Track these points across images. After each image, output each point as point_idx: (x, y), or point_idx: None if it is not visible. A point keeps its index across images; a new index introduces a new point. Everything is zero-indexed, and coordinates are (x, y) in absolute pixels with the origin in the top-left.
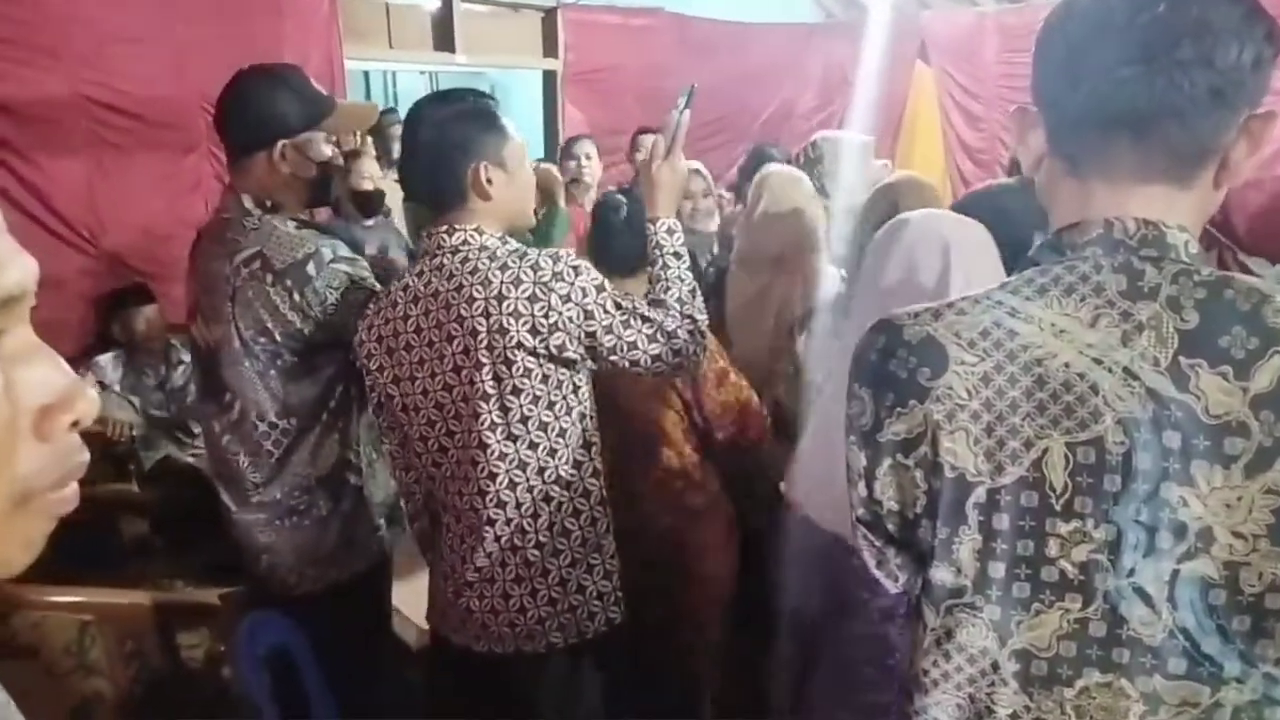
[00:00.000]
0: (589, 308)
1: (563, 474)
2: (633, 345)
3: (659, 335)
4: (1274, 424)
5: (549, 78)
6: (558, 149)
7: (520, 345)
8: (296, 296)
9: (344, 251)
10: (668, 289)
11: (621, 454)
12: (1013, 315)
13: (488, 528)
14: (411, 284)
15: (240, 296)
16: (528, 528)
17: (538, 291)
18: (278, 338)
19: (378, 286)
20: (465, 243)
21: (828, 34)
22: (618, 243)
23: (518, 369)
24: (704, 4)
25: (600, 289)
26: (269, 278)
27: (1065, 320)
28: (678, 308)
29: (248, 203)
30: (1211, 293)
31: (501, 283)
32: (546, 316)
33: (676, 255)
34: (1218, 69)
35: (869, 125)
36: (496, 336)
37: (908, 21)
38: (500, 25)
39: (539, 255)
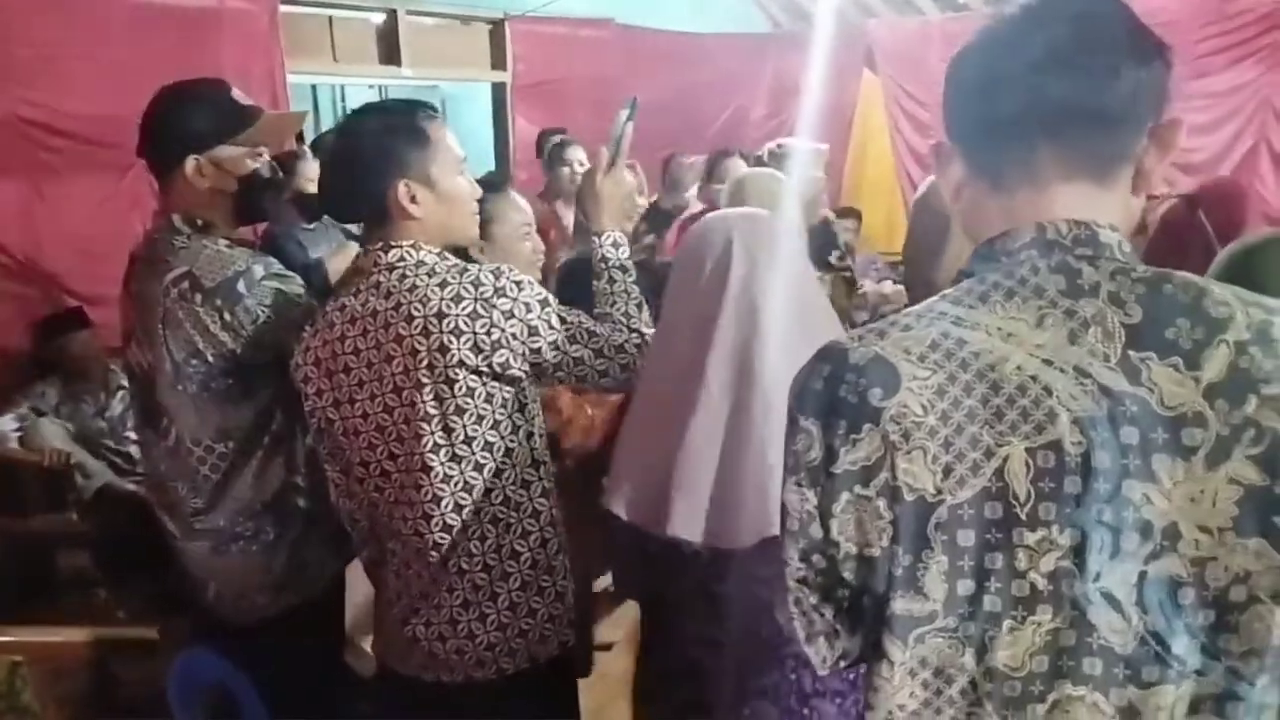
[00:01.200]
0: (533, 324)
1: (510, 495)
2: (579, 361)
3: (606, 350)
4: (1229, 412)
5: (498, 89)
6: (509, 161)
7: (462, 364)
8: (227, 316)
9: (277, 269)
10: (613, 303)
11: None
12: (959, 324)
13: (433, 552)
14: (348, 304)
15: (170, 318)
16: (475, 551)
17: (479, 308)
18: (210, 359)
19: (315, 304)
20: (402, 259)
21: (777, 44)
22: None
23: (460, 388)
24: (653, 16)
25: (545, 304)
26: (198, 297)
27: (1012, 324)
28: (624, 321)
29: (177, 221)
30: (1151, 287)
31: (441, 300)
32: (489, 334)
33: (622, 269)
34: (1123, 77)
35: (818, 133)
36: (437, 355)
37: (854, 30)
38: (448, 37)
39: (480, 270)
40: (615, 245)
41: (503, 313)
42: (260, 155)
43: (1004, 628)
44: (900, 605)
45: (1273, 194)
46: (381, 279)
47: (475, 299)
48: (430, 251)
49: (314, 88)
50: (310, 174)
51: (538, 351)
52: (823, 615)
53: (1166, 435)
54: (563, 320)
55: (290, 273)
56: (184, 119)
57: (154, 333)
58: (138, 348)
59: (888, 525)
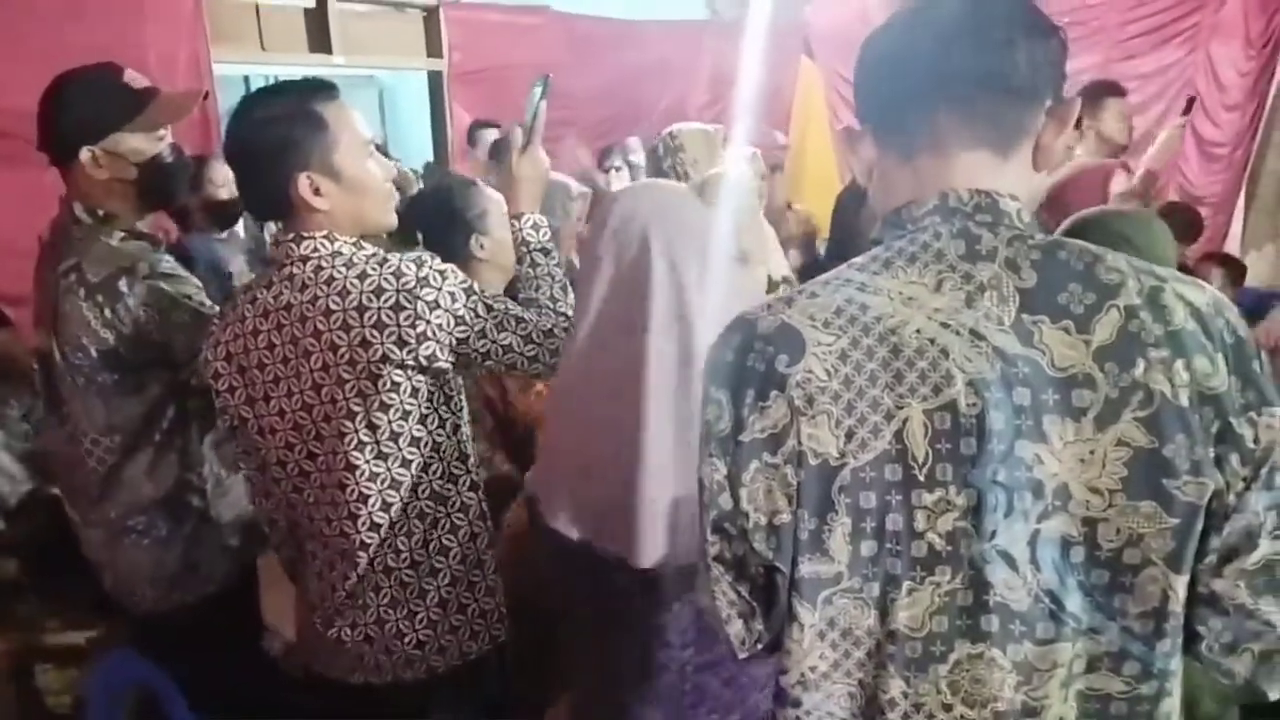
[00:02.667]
0: (459, 313)
1: (438, 489)
2: (508, 348)
3: (535, 335)
4: (1118, 375)
5: (435, 78)
6: (447, 148)
7: (386, 358)
8: (108, 313)
9: (167, 267)
10: (538, 287)
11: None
12: (862, 290)
13: (360, 552)
14: (260, 297)
15: (60, 309)
16: (402, 547)
17: (403, 300)
18: (94, 354)
19: (207, 304)
20: (315, 250)
21: (715, 31)
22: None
23: (384, 384)
24: (590, 3)
25: (470, 291)
26: (82, 291)
27: (912, 288)
28: (550, 305)
29: (77, 211)
30: (1046, 254)
31: (361, 292)
32: (414, 326)
33: (544, 251)
34: (1021, 50)
35: (757, 119)
36: (359, 351)
37: (791, 17)
38: (380, 25)
39: (401, 260)
40: (535, 228)
41: (427, 303)
42: (161, 139)
43: (904, 589)
44: (807, 568)
45: (1194, 174)
46: (295, 271)
47: (398, 290)
48: (346, 242)
49: (246, 78)
50: (220, 179)
51: (465, 341)
52: (740, 594)
53: (1057, 396)
54: (489, 308)
55: (183, 272)
56: (74, 109)
57: (49, 322)
58: (42, 333)
59: (794, 491)
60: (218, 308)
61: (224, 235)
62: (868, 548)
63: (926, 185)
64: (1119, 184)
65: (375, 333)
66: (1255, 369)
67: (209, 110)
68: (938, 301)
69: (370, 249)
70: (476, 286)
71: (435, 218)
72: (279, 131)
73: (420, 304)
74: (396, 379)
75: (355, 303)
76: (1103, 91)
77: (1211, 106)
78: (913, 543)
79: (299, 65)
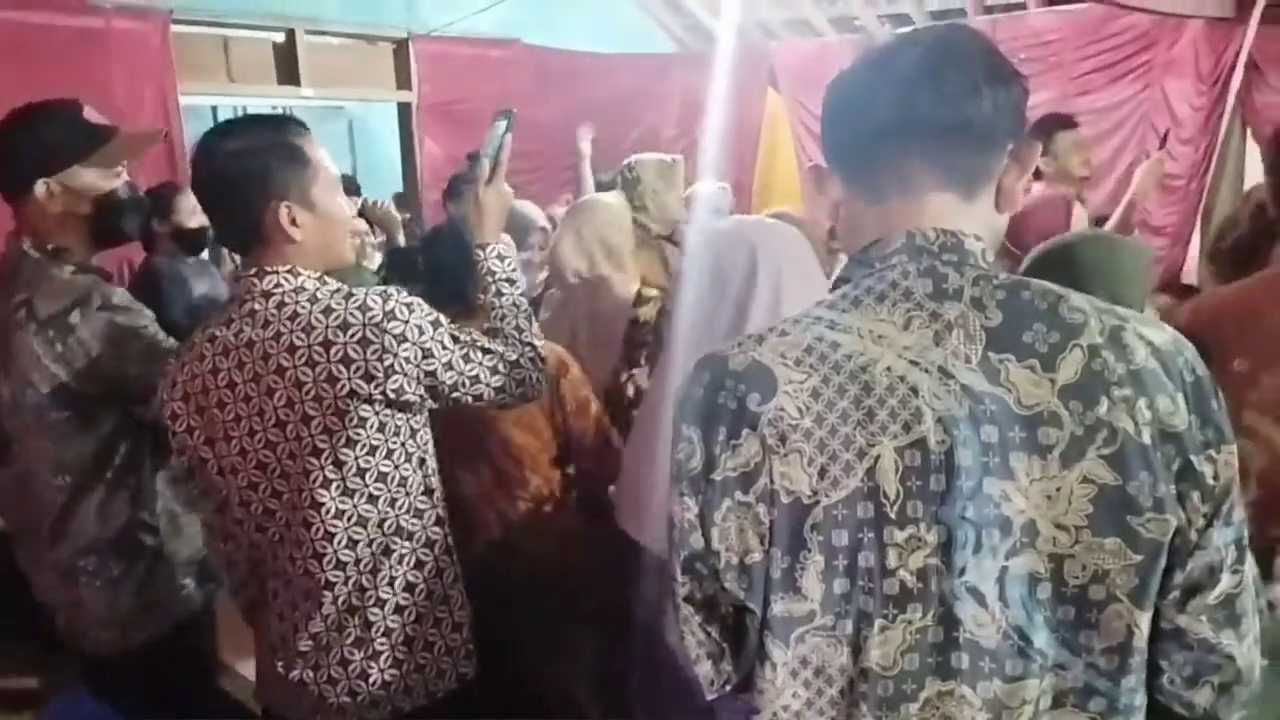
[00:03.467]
0: (426, 346)
1: (404, 525)
2: (475, 380)
3: (500, 366)
4: (1083, 413)
5: (404, 110)
6: (417, 180)
7: (354, 394)
8: (59, 347)
9: (120, 300)
10: (504, 317)
11: (491, 483)
12: (833, 328)
13: (325, 591)
14: (219, 334)
15: (8, 345)
16: (367, 585)
17: (369, 334)
18: (44, 391)
19: (161, 336)
20: (279, 286)
21: (683, 64)
22: (453, 277)
23: (351, 419)
24: (559, 36)
25: (436, 324)
26: (32, 326)
27: (882, 326)
28: (516, 335)
29: (26, 246)
30: (1010, 293)
31: (327, 327)
32: (381, 360)
33: (510, 281)
34: (984, 96)
35: (724, 151)
36: (325, 387)
37: (757, 51)
38: (350, 57)
39: (366, 295)
40: (500, 258)
41: (394, 337)
42: (118, 175)
43: (876, 627)
44: (779, 607)
45: (1152, 206)
46: (257, 307)
47: (364, 324)
48: (309, 276)
49: (214, 109)
50: (189, 207)
51: (433, 374)
52: (709, 634)
53: (1024, 434)
54: (455, 339)
55: (137, 305)
56: (30, 141)
57: (1, 356)
58: None
59: (766, 530)
60: (173, 340)
61: (191, 260)
62: (840, 585)
63: (893, 225)
64: (1078, 217)
65: (342, 368)
66: (1214, 407)
67: (174, 142)
68: (907, 340)
69: (334, 284)
70: (442, 319)
71: (453, 256)
72: (259, 161)
73: (388, 338)
74: (364, 414)
75: (321, 338)
76: (1054, 125)
77: (1167, 140)
78: (885, 580)
79: (267, 97)
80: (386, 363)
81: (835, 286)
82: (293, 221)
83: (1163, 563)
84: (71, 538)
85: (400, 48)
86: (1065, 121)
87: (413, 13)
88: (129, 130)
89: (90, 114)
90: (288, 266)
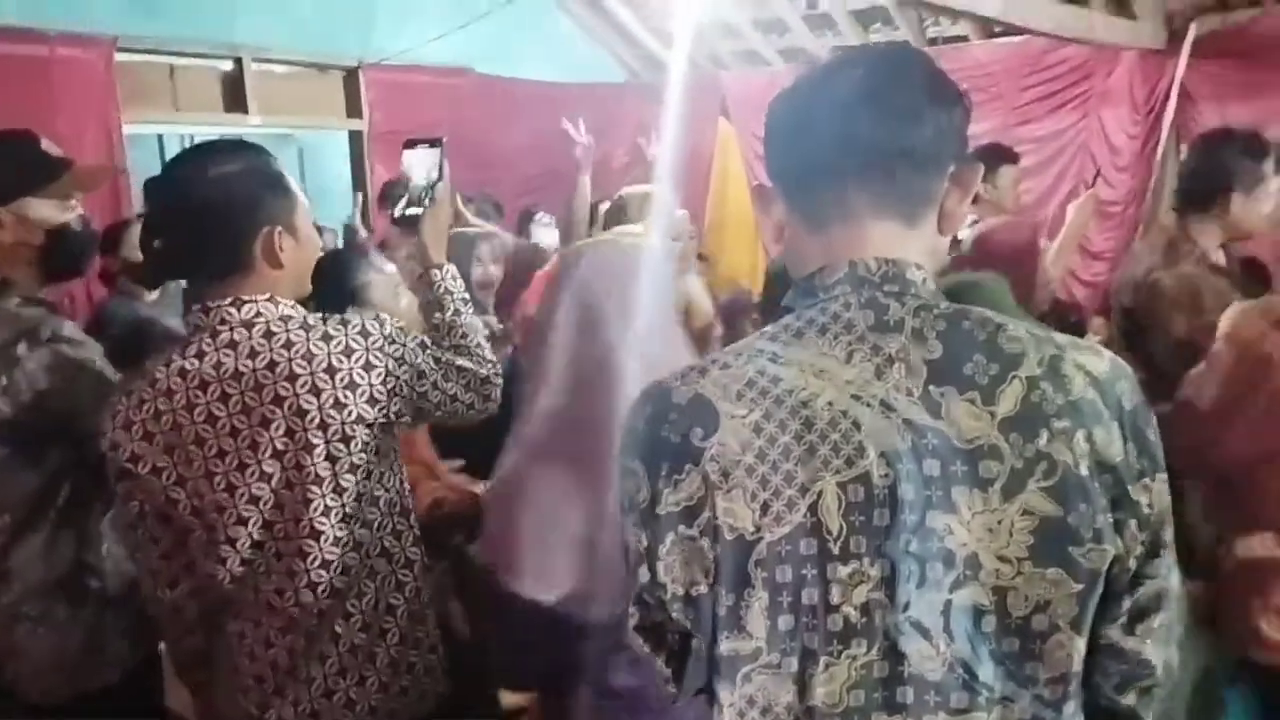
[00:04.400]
0: (420, 367)
1: (387, 546)
2: (454, 398)
3: (474, 383)
4: (1023, 446)
5: (355, 137)
6: (368, 208)
7: (360, 419)
8: (4, 380)
9: (69, 332)
10: (466, 335)
11: None
12: (774, 361)
13: (312, 620)
14: (191, 368)
15: None
16: (352, 610)
17: (373, 359)
18: None
19: (110, 370)
20: (259, 315)
21: (635, 93)
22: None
23: (356, 445)
24: (511, 65)
25: (423, 346)
26: None
27: (823, 360)
28: (481, 354)
29: None
30: (951, 324)
31: (329, 354)
32: (384, 383)
33: (465, 301)
34: (926, 121)
35: (676, 179)
36: (331, 413)
37: (708, 81)
38: (298, 85)
39: (363, 320)
40: (454, 278)
41: (395, 360)
42: (72, 209)
43: (821, 664)
44: (726, 645)
45: (1092, 231)
46: (237, 337)
47: (367, 349)
48: (286, 305)
49: (160, 138)
50: (137, 241)
51: (424, 395)
52: (656, 661)
53: (965, 467)
54: (437, 360)
55: (86, 338)
56: None
57: None
58: None
59: (711, 564)
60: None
61: (152, 297)
62: (785, 622)
63: (836, 253)
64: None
65: (348, 394)
66: (1149, 435)
67: (118, 174)
68: (848, 374)
69: (311, 313)
70: (427, 339)
71: (318, 283)
72: (247, 188)
73: (390, 361)
74: (365, 439)
75: (324, 365)
76: (999, 158)
77: (1105, 168)
78: (829, 616)
79: (214, 125)
80: (389, 385)
81: (779, 315)
82: (280, 248)
83: (1100, 589)
84: (13, 582)
85: (351, 76)
86: (1010, 155)
87: (363, 41)
88: (83, 164)
89: (48, 146)
90: (266, 295)
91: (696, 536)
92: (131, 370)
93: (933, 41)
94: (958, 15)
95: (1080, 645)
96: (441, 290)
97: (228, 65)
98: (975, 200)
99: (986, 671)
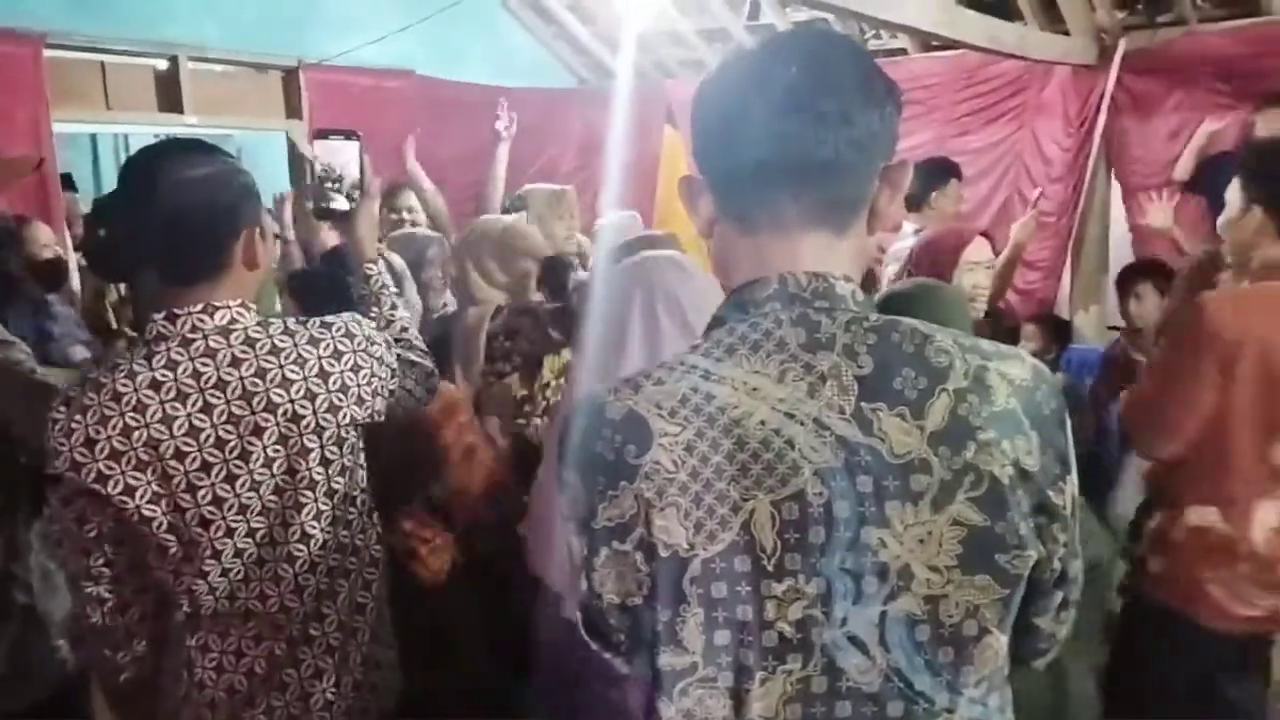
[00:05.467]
0: (393, 365)
1: (357, 544)
2: (410, 394)
3: (422, 377)
4: (951, 458)
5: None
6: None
7: (353, 421)
8: None
9: None
10: (406, 329)
11: None
12: (707, 378)
13: (296, 626)
14: (162, 378)
15: None
16: (327, 611)
17: (359, 360)
18: None
19: (39, 371)
20: (235, 321)
21: (582, 98)
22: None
23: (348, 447)
24: (456, 68)
25: (389, 344)
26: None
27: (756, 378)
28: (420, 346)
29: None
30: (881, 337)
31: (319, 358)
32: (369, 384)
33: (400, 296)
34: (855, 123)
35: (623, 184)
36: (326, 417)
37: (654, 88)
38: (236, 85)
39: (345, 322)
40: (382, 273)
41: (376, 360)
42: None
43: (757, 679)
44: (664, 660)
45: None
46: (214, 344)
47: (354, 351)
48: (253, 310)
49: (94, 137)
50: (45, 238)
51: (393, 392)
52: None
53: (897, 482)
54: (399, 357)
55: (11, 337)
56: None
57: None
58: None
59: (645, 578)
60: (50, 375)
61: (52, 298)
62: (721, 638)
63: (767, 263)
64: (975, 252)
65: (341, 396)
66: (1063, 439)
67: (46, 172)
68: (781, 392)
69: (282, 318)
70: (389, 337)
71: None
72: (231, 189)
73: (374, 362)
74: (353, 440)
75: (316, 369)
76: (947, 171)
77: (1039, 179)
78: (763, 632)
79: (148, 125)
80: (373, 385)
81: (711, 326)
82: (258, 248)
83: (1023, 589)
84: None
85: (290, 76)
86: (954, 169)
87: (303, 41)
88: (2, 157)
89: None
90: (238, 301)
91: (629, 552)
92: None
93: (873, 54)
94: (897, 29)
95: (1005, 641)
96: (379, 285)
97: (163, 64)
98: (920, 211)
99: (922, 680)
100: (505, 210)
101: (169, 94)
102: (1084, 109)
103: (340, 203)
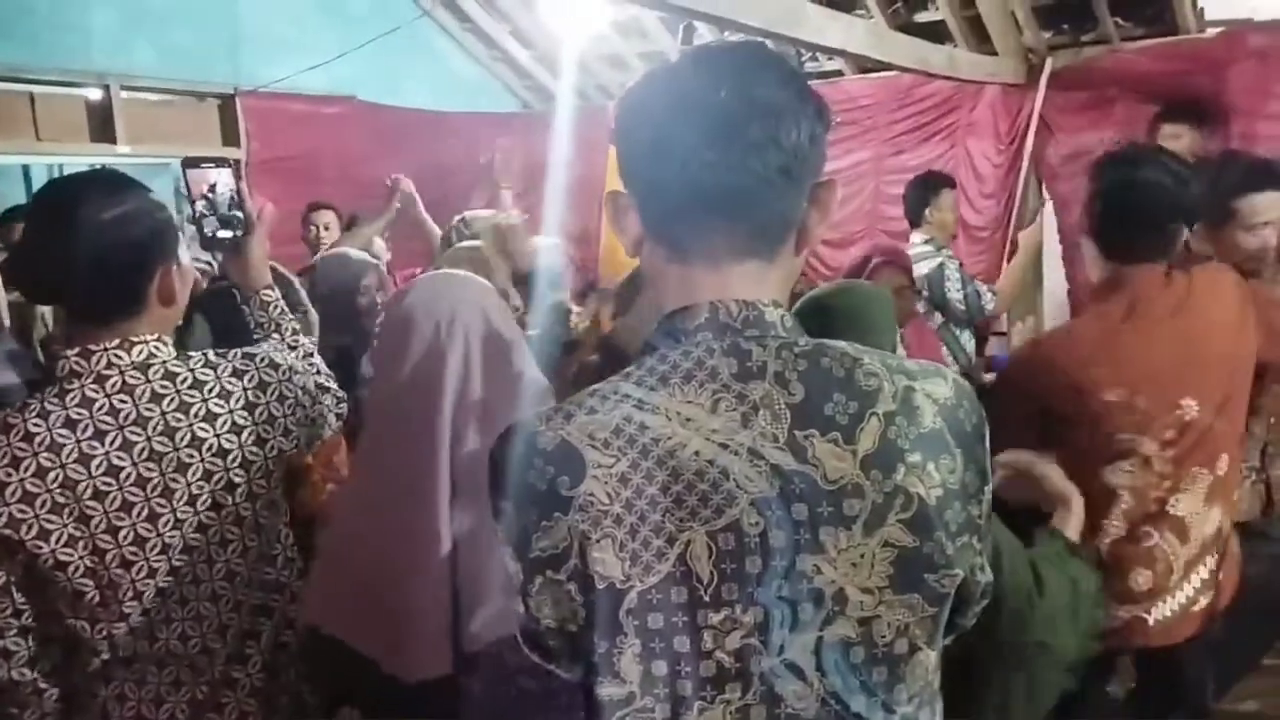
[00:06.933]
0: (313, 392)
1: (281, 580)
2: (326, 420)
3: (330, 402)
4: (882, 481)
5: (235, 167)
6: None
7: (280, 452)
8: None
9: None
10: (310, 354)
11: None
12: (641, 408)
13: (219, 668)
14: (77, 416)
15: None
16: (250, 652)
17: (284, 390)
18: None
19: None
20: (153, 356)
21: (525, 122)
22: None
23: (276, 479)
24: (397, 94)
25: (306, 371)
26: None
27: (689, 408)
28: (327, 373)
29: None
30: (811, 363)
31: (244, 390)
32: (294, 414)
33: (301, 322)
34: (783, 148)
35: (567, 208)
36: (254, 450)
37: (597, 111)
38: (170, 113)
39: (268, 352)
40: (281, 299)
41: (300, 389)
42: None
43: (695, 709)
44: (602, 690)
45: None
46: (132, 380)
47: (279, 381)
48: (169, 344)
49: (26, 168)
50: None
51: (313, 420)
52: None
53: (831, 508)
54: (317, 383)
55: None
56: None
57: None
58: None
59: (580, 608)
60: None
61: None
62: (658, 668)
63: (697, 290)
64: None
65: (269, 428)
66: (983, 452)
67: None
68: (715, 423)
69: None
70: (307, 364)
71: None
72: (146, 226)
73: (299, 391)
74: (279, 472)
75: (242, 401)
76: (940, 182)
77: (972, 194)
78: (701, 662)
79: (81, 155)
80: (298, 414)
81: (643, 352)
82: (174, 284)
83: (950, 604)
84: None
85: (226, 104)
86: (947, 180)
87: (238, 68)
88: None
89: None
90: (155, 336)
91: (563, 581)
92: None
93: (809, 76)
94: (832, 52)
95: (935, 657)
96: (278, 312)
97: (94, 94)
98: (921, 226)
99: (858, 702)
100: (456, 239)
101: (102, 123)
102: (1014, 127)
103: (226, 231)
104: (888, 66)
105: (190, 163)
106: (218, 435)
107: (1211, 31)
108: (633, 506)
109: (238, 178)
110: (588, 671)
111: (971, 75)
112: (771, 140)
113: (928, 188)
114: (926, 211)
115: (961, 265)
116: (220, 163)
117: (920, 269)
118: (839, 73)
